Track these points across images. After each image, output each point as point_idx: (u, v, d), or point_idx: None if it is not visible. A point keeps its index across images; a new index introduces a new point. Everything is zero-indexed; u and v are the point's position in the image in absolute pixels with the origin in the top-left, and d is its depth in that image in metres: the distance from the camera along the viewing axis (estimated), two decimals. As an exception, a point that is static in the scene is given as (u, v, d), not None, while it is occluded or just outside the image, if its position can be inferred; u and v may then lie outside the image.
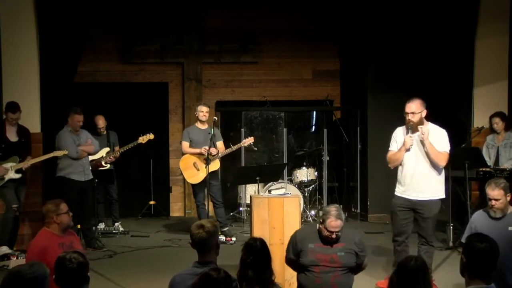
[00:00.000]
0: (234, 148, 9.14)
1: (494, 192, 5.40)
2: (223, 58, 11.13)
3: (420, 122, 6.33)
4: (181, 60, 11.09)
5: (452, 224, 8.20)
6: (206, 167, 8.51)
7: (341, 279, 5.07)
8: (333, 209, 5.08)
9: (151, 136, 9.22)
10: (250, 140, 9.07)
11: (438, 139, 6.36)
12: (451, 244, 8.10)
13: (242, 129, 10.54)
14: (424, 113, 6.33)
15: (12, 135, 8.00)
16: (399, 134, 6.51)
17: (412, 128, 6.34)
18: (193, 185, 8.98)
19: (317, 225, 5.20)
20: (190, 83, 11.11)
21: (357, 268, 5.20)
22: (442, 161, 6.31)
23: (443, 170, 6.42)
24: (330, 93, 11.37)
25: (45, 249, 4.93)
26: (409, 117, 6.29)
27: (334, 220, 5.01)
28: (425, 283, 3.56)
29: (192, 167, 8.90)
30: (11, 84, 8.33)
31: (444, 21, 9.37)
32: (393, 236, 6.52)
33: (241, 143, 9.13)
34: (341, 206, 10.66)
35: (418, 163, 6.34)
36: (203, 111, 9.00)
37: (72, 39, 8.90)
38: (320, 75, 11.45)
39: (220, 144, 9.04)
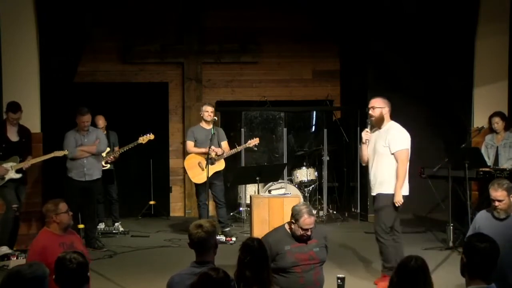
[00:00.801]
0: (239, 148, 9.16)
1: (497, 193, 5.40)
2: (223, 58, 11.13)
3: (381, 119, 6.48)
4: (181, 60, 11.09)
5: (452, 224, 8.20)
6: (206, 167, 8.51)
7: (320, 275, 5.18)
8: (304, 207, 5.13)
9: (151, 137, 9.22)
10: (255, 141, 9.06)
11: (393, 138, 6.44)
12: (451, 244, 8.10)
13: (242, 129, 10.54)
14: (385, 110, 6.49)
15: (12, 135, 8.01)
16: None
17: (372, 123, 6.50)
18: (197, 185, 8.97)
19: (285, 226, 5.23)
20: (190, 83, 11.11)
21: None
22: (403, 163, 6.38)
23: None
24: (330, 93, 11.37)
25: (46, 248, 4.93)
26: (370, 111, 6.47)
27: (308, 217, 5.06)
28: (426, 283, 3.56)
29: (196, 166, 8.90)
30: (11, 84, 8.34)
31: (444, 21, 9.37)
32: (387, 230, 6.50)
33: (247, 143, 9.11)
34: (339, 206, 10.81)
35: (374, 159, 6.48)
36: (208, 111, 9.00)
37: (72, 39, 8.90)
38: (320, 75, 11.44)
39: (224, 144, 9.05)
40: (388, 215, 6.45)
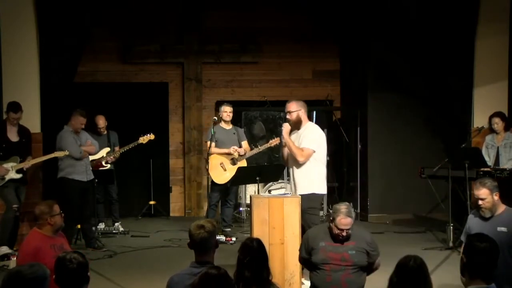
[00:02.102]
0: (261, 148, 9.15)
1: (480, 191, 5.41)
2: (223, 58, 11.12)
3: (299, 121, 6.62)
4: (181, 60, 11.08)
5: (452, 224, 8.19)
6: (235, 164, 8.73)
7: (351, 277, 5.07)
8: (343, 206, 5.10)
9: (152, 137, 9.22)
10: (276, 141, 9.05)
11: (305, 136, 6.57)
12: (451, 244, 8.10)
13: (242, 129, 10.53)
14: (301, 112, 6.62)
15: (13, 135, 8.01)
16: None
17: (292, 126, 6.64)
18: (214, 185, 8.93)
19: (328, 223, 5.23)
20: (190, 83, 11.10)
21: (369, 267, 5.20)
22: (299, 156, 6.54)
23: (317, 167, 6.59)
24: (330, 93, 11.37)
25: (38, 250, 4.93)
26: (287, 116, 6.63)
27: (344, 217, 5.02)
28: (426, 282, 3.57)
29: (218, 167, 8.90)
30: (11, 84, 8.34)
31: (444, 21, 9.38)
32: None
33: (268, 143, 9.09)
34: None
35: (293, 161, 6.60)
36: (226, 111, 9.03)
37: (72, 39, 8.91)
38: (320, 75, 11.44)
39: (245, 144, 9.09)
40: (314, 215, 6.57)
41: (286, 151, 6.73)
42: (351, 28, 10.94)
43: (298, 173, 6.61)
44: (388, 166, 10.29)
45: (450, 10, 9.26)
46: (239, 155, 8.86)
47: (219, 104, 11.00)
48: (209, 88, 11.25)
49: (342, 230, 5.04)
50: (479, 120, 9.07)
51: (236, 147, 8.86)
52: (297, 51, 11.28)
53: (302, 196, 6.43)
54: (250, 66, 11.28)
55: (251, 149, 9.16)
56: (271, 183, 9.73)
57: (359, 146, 10.54)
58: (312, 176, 6.59)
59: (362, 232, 5.34)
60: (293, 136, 6.68)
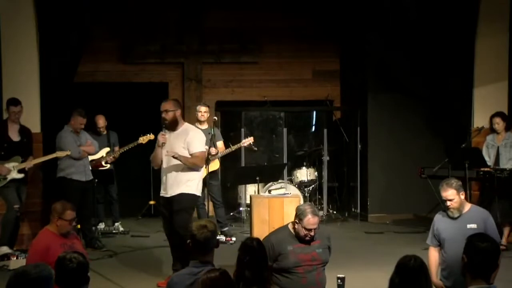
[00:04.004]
0: (233, 148, 9.13)
1: (447, 193, 5.44)
2: (223, 58, 11.12)
3: (175, 121, 6.52)
4: (181, 60, 11.08)
5: (452, 224, 8.18)
6: (206, 167, 8.50)
7: (322, 276, 5.16)
8: (308, 207, 5.11)
9: (152, 137, 9.21)
10: (249, 140, 9.06)
11: (193, 139, 6.53)
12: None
13: (242, 129, 10.54)
14: (178, 113, 6.56)
15: (14, 135, 8.00)
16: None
17: (167, 126, 6.51)
18: None
19: (289, 226, 5.21)
20: (190, 83, 11.10)
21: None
22: (200, 163, 6.55)
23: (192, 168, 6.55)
24: (330, 93, 11.36)
25: (48, 248, 4.95)
26: (163, 115, 6.48)
27: (312, 217, 5.03)
28: (427, 281, 3.57)
29: None
30: (11, 84, 8.34)
31: (444, 21, 9.38)
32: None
33: (241, 143, 9.11)
34: (340, 206, 10.81)
35: (172, 161, 6.48)
36: (201, 111, 9.01)
37: (72, 39, 8.90)
38: (320, 75, 11.44)
39: (220, 144, 9.04)
40: (189, 215, 6.55)
41: (160, 152, 6.54)
42: (351, 28, 10.94)
43: (178, 174, 6.47)
44: (388, 166, 10.30)
45: (450, 10, 9.26)
46: (210, 154, 8.78)
47: (219, 104, 11.04)
48: (209, 88, 11.25)
49: (310, 230, 5.04)
50: (479, 120, 9.07)
51: (207, 147, 8.76)
52: (297, 51, 11.28)
53: (189, 194, 6.42)
54: (250, 66, 11.28)
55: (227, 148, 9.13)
56: (271, 183, 9.72)
57: (359, 146, 10.54)
58: (190, 177, 6.53)
59: (322, 229, 5.37)
60: (172, 137, 6.55)
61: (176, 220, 6.45)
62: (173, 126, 6.55)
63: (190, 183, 6.52)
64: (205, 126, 9.01)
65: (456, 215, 5.47)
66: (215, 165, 8.90)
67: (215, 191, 8.97)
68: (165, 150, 6.52)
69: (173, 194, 6.50)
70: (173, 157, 6.39)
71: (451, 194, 5.42)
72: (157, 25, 10.99)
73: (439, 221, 5.60)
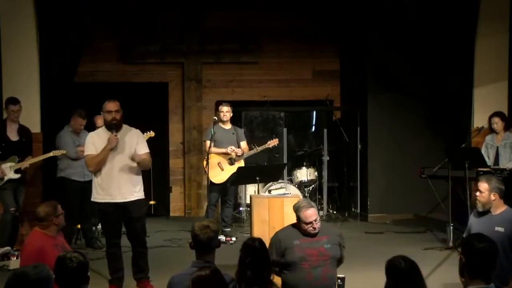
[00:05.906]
0: (259, 149, 9.10)
1: (481, 184, 5.59)
2: (223, 58, 11.12)
3: (120, 121, 6.33)
4: (181, 60, 11.08)
5: (452, 224, 8.19)
6: (231, 165, 8.58)
7: (330, 272, 5.13)
8: (301, 202, 5.18)
9: (152, 134, 9.15)
10: (275, 142, 9.01)
11: (140, 140, 6.43)
12: (451, 244, 8.10)
13: (242, 129, 10.53)
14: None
15: (13, 135, 7.99)
16: (95, 138, 6.39)
17: (116, 126, 6.28)
18: (212, 185, 8.88)
19: (296, 224, 5.23)
20: (190, 83, 11.10)
21: (340, 260, 5.29)
22: (150, 164, 6.48)
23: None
24: (330, 93, 11.36)
25: (41, 250, 4.94)
26: (114, 115, 6.25)
27: (306, 209, 5.07)
28: (422, 280, 3.58)
29: (216, 166, 8.88)
30: (11, 84, 8.34)
31: (444, 21, 9.38)
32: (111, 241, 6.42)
33: (266, 144, 9.05)
34: (340, 206, 10.82)
35: (122, 164, 6.28)
36: (223, 111, 9.01)
37: (72, 39, 8.90)
38: (320, 75, 11.43)
39: (244, 144, 9.06)
40: (145, 220, 6.53)
41: (108, 154, 6.24)
42: (351, 28, 10.94)
43: (131, 179, 6.29)
44: (388, 166, 10.29)
45: (450, 10, 9.26)
46: (236, 155, 8.84)
47: (219, 104, 11.03)
48: (209, 88, 11.25)
49: (310, 222, 5.05)
50: (479, 120, 9.08)
51: (233, 147, 8.84)
52: (297, 51, 11.28)
53: (140, 201, 6.34)
54: (250, 66, 11.27)
55: (250, 149, 9.15)
56: (271, 183, 9.72)
57: (359, 146, 10.53)
58: (140, 180, 6.41)
59: (330, 226, 5.43)
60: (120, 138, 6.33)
61: (136, 227, 6.33)
62: (120, 126, 6.34)
63: (141, 188, 6.40)
64: (228, 126, 9.02)
65: (480, 208, 5.63)
66: (239, 165, 8.91)
67: (231, 192, 9.04)
68: (127, 153, 6.26)
69: (129, 199, 6.27)
70: (132, 159, 6.21)
71: (483, 188, 5.57)
72: (157, 25, 10.99)
73: (472, 219, 5.79)
